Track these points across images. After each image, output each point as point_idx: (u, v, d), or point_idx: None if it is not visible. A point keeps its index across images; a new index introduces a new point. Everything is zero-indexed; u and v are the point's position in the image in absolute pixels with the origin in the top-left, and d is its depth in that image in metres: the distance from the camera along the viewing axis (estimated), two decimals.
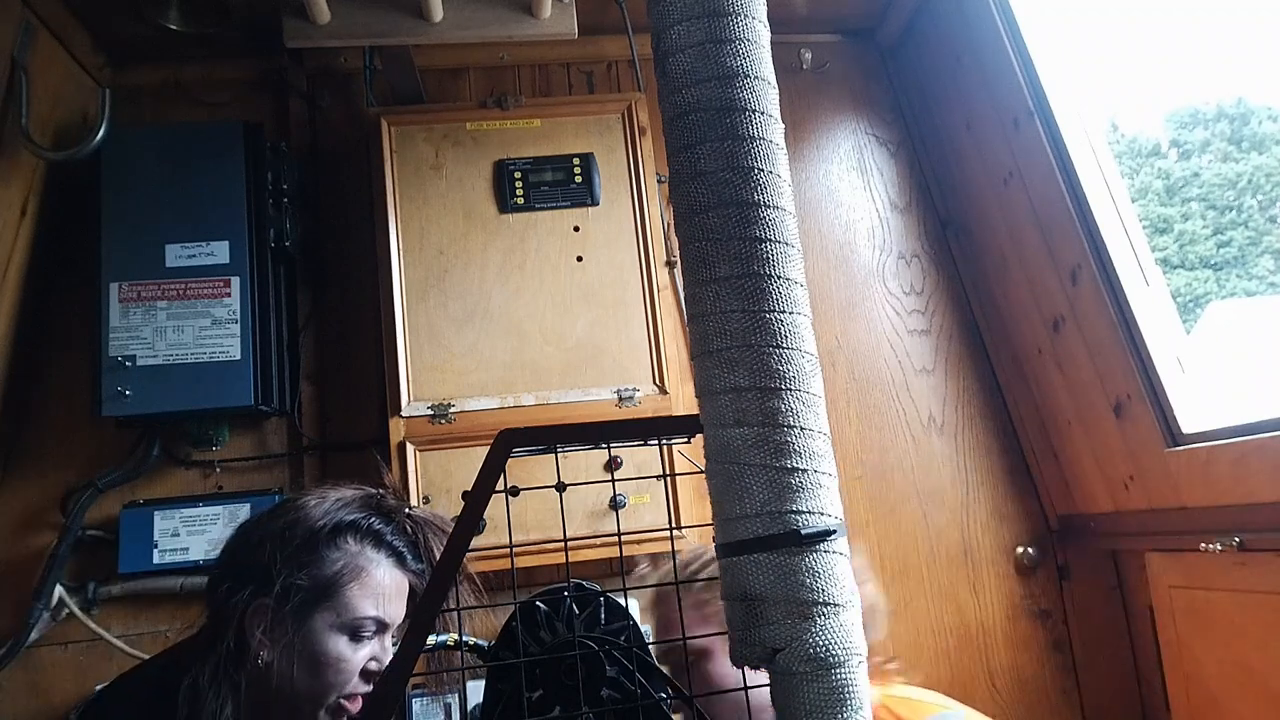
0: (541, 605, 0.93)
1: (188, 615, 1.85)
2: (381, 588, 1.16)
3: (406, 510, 1.24)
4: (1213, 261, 14.30)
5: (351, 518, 1.18)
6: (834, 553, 0.75)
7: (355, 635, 1.13)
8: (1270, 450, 1.47)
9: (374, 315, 1.97)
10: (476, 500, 0.85)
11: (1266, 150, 15.03)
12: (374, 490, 1.24)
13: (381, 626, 1.16)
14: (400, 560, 1.20)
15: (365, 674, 1.14)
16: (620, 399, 1.90)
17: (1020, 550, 2.16)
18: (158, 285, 1.85)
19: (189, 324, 1.84)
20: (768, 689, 0.76)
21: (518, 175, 1.99)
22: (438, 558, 1.18)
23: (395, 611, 1.17)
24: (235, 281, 1.87)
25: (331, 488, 1.23)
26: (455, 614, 1.20)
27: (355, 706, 1.15)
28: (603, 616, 0.94)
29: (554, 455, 0.93)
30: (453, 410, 1.86)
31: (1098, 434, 1.95)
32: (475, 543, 0.96)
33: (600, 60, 2.32)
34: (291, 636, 1.09)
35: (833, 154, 2.38)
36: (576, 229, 1.99)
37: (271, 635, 1.09)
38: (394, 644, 1.20)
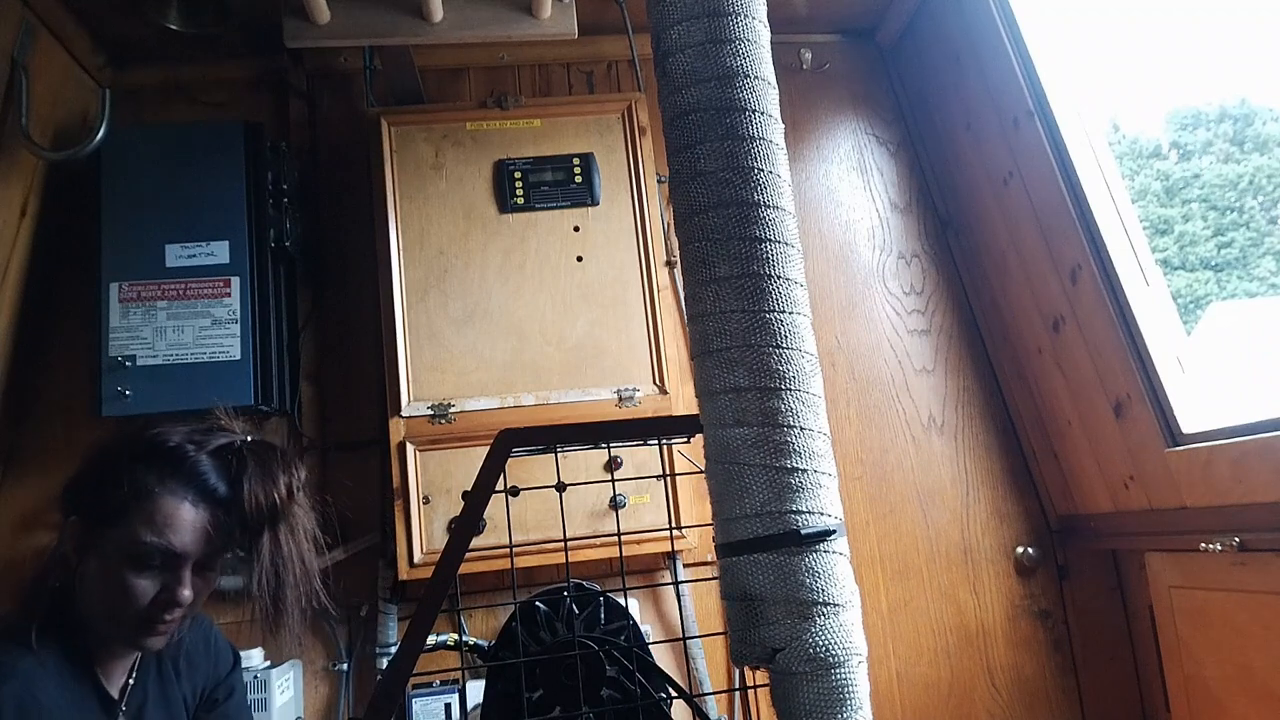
0: (541, 605, 0.93)
1: None
2: (166, 515, 1.09)
3: (236, 442, 1.17)
4: (1214, 263, 14.29)
5: (156, 442, 1.13)
6: (834, 553, 0.75)
7: (138, 563, 1.09)
8: (1270, 450, 1.47)
9: (374, 315, 1.97)
10: (476, 500, 0.85)
11: (1268, 151, 15.02)
12: (212, 424, 1.20)
13: (169, 557, 1.10)
14: (199, 489, 1.13)
15: (160, 604, 1.10)
16: (620, 399, 1.90)
17: (1020, 550, 2.16)
18: (158, 285, 1.85)
19: (189, 324, 1.84)
20: None
21: (518, 175, 1.99)
22: (256, 497, 1.14)
23: (185, 542, 1.10)
24: (235, 281, 1.87)
25: (187, 422, 1.20)
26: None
27: (165, 628, 1.12)
28: (603, 616, 0.94)
29: (554, 455, 0.93)
30: (453, 410, 1.86)
31: (1098, 434, 1.94)
32: (475, 543, 0.97)
33: (600, 60, 2.32)
34: (88, 554, 1.10)
35: (833, 154, 2.38)
36: (576, 229, 1.99)
37: (76, 550, 1.11)
38: (210, 577, 1.16)
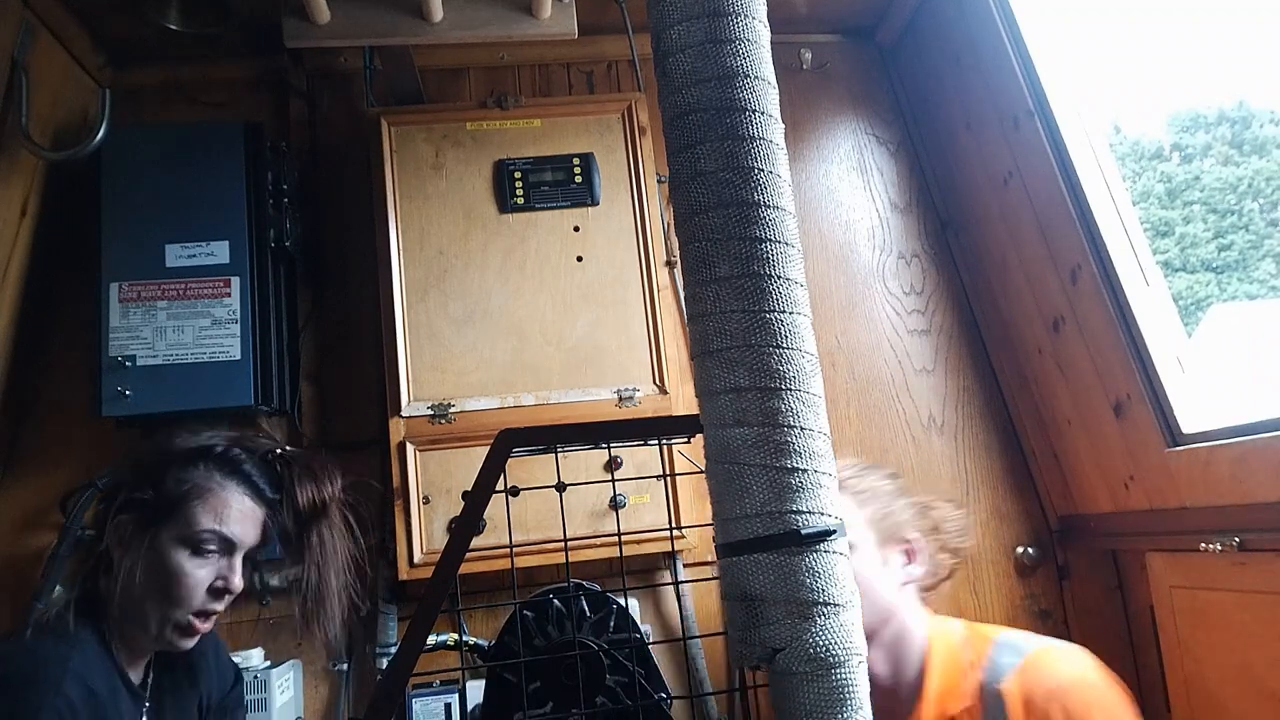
0: (529, 614, 0.93)
1: None
2: (224, 506, 1.19)
3: (277, 450, 1.28)
4: (1214, 265, 14.31)
5: (209, 444, 1.23)
6: (834, 552, 0.75)
7: (197, 550, 1.17)
8: (1270, 450, 1.47)
9: (374, 315, 1.97)
10: (476, 500, 0.85)
11: (1267, 154, 15.03)
12: (252, 433, 1.31)
13: (225, 543, 1.19)
14: (252, 488, 1.23)
15: (214, 592, 1.18)
16: (620, 399, 1.90)
17: (1020, 550, 2.16)
18: (158, 285, 1.85)
19: (189, 324, 1.84)
20: None
21: (518, 175, 1.99)
22: (306, 496, 1.23)
23: (241, 532, 1.20)
24: (235, 281, 1.87)
25: (218, 429, 1.30)
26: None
27: (205, 625, 1.19)
28: (587, 610, 0.94)
29: (554, 455, 0.93)
30: (453, 410, 1.86)
31: (1098, 434, 1.94)
32: (475, 543, 0.97)
33: (600, 60, 2.32)
34: (140, 549, 1.16)
35: (833, 154, 2.38)
36: (576, 229, 1.99)
37: (125, 547, 1.16)
38: (249, 568, 1.25)
